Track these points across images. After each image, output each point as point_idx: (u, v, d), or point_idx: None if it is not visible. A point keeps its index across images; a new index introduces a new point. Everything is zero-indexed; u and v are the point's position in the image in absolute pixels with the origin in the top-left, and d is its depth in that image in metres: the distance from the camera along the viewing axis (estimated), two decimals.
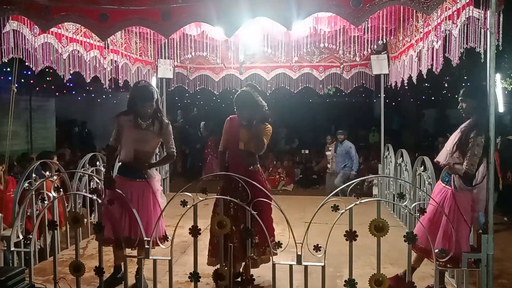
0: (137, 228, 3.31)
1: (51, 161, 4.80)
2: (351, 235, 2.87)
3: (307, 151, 13.19)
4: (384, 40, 5.57)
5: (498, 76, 8.42)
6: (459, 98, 3.34)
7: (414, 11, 4.22)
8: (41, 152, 6.40)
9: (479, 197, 3.12)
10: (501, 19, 2.93)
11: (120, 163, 3.63)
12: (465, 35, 3.23)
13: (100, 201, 3.36)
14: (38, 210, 4.12)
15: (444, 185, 3.33)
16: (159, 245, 3.31)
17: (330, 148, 9.03)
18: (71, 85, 11.73)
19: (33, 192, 3.91)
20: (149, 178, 3.59)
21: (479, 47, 3.06)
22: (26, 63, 4.18)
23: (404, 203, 3.39)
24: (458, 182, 3.19)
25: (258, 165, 3.68)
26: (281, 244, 2.95)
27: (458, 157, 3.18)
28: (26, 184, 4.01)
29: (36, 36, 4.13)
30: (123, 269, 3.30)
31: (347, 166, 8.41)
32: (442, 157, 3.35)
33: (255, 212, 3.02)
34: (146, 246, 3.13)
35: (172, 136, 3.72)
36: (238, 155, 3.59)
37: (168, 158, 3.75)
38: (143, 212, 3.43)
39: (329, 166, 9.03)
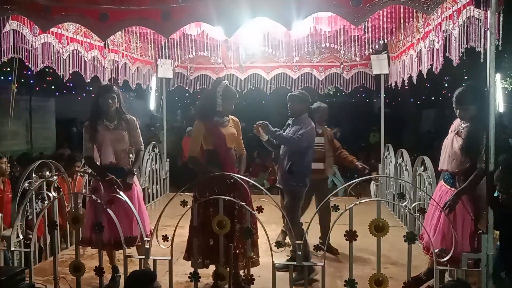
0: (131, 228, 3.41)
1: (51, 161, 4.79)
2: (351, 235, 2.87)
3: None
4: (384, 40, 5.57)
5: (498, 76, 8.40)
6: (456, 106, 3.26)
7: (414, 11, 4.22)
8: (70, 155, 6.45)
9: (481, 196, 3.12)
10: (501, 19, 2.93)
11: (103, 168, 3.56)
12: (465, 35, 3.23)
13: (100, 201, 3.35)
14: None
15: (449, 187, 3.30)
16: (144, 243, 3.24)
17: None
18: (71, 85, 11.71)
19: (33, 192, 3.90)
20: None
21: (479, 47, 3.05)
22: (26, 63, 4.17)
23: (404, 203, 3.40)
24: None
25: None
26: (281, 244, 2.95)
27: (467, 161, 3.16)
28: (26, 184, 4.01)
29: (36, 36, 4.12)
30: (121, 269, 3.31)
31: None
32: (445, 164, 3.29)
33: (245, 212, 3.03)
34: (146, 246, 3.13)
35: (139, 131, 3.73)
36: (229, 154, 3.53)
37: (139, 155, 3.77)
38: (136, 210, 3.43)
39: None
